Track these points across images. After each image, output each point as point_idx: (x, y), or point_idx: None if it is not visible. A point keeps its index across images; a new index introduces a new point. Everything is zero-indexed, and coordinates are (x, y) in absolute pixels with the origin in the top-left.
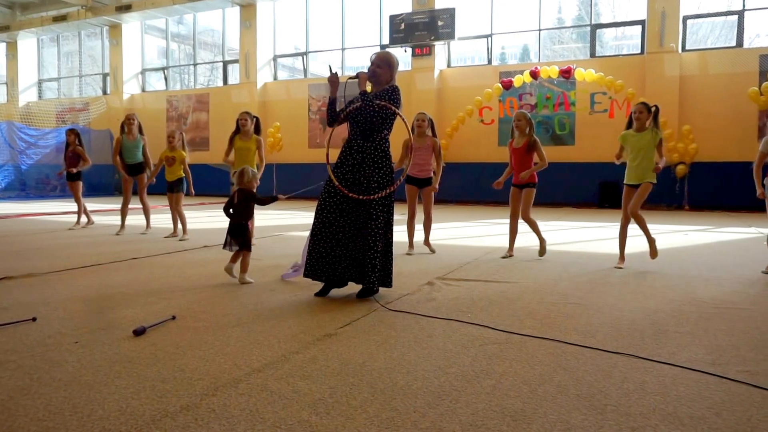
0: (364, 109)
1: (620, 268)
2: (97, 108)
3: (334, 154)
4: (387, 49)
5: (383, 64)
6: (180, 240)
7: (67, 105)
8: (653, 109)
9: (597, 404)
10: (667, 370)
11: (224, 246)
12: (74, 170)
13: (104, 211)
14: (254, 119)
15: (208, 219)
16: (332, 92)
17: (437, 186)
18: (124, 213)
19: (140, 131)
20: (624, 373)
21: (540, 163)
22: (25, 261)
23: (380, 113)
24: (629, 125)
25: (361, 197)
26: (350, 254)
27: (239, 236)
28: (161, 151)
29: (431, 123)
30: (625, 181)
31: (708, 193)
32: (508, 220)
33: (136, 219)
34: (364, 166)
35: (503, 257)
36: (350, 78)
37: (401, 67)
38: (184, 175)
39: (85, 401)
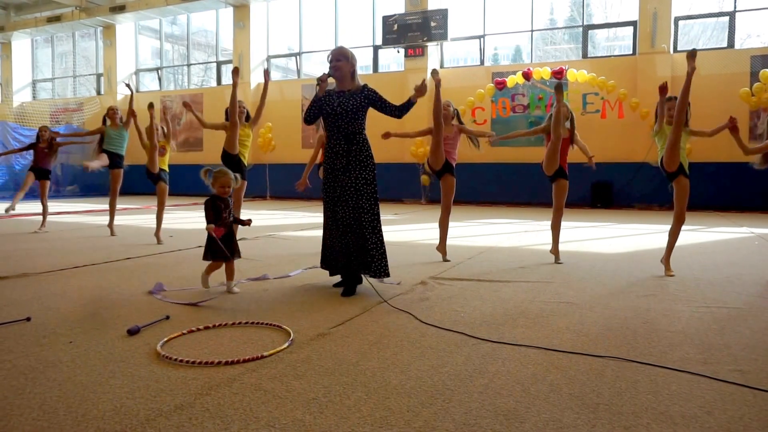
0: (345, 115)
1: (672, 275)
2: (91, 108)
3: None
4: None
5: (342, 57)
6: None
7: (61, 105)
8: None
9: (589, 403)
10: (658, 369)
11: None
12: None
13: (99, 211)
14: (245, 110)
15: (201, 219)
16: (320, 92)
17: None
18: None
19: (122, 122)
20: (616, 372)
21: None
22: (19, 261)
23: (357, 117)
24: (657, 120)
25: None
26: (348, 246)
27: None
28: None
29: (457, 113)
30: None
31: (700, 193)
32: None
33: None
34: (350, 168)
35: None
36: (319, 82)
37: (394, 68)
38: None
39: (80, 401)
